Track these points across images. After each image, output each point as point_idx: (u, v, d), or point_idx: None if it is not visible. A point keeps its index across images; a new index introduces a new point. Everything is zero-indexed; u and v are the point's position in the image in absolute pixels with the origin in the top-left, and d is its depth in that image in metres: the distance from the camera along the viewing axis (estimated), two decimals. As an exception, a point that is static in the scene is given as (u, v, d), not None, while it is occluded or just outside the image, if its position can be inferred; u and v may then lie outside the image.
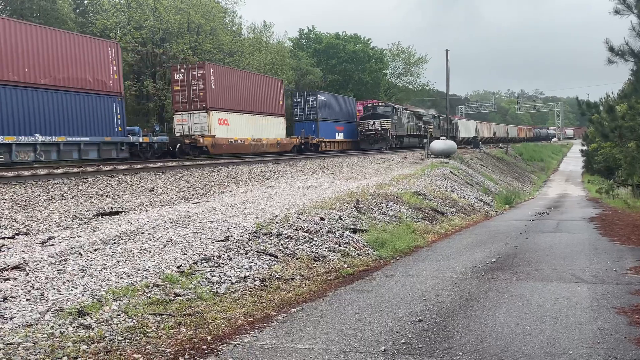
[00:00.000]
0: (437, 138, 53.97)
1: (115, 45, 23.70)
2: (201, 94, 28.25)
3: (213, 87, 28.74)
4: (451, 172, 24.48)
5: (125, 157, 23.44)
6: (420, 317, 5.93)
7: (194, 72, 28.35)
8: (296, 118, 41.05)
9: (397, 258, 9.62)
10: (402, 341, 5.21)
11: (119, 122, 23.18)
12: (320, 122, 41.16)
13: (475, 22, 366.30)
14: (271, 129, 34.35)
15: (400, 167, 26.82)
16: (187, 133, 28.19)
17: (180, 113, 28.75)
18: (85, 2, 43.58)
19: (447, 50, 43.05)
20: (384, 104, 47.57)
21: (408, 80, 78.74)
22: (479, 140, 59.19)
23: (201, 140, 27.27)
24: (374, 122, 44.19)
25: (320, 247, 9.14)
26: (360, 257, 9.32)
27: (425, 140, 40.08)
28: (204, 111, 28.33)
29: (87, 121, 21.63)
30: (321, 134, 40.87)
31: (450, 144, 34.45)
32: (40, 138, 19.36)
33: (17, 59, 18.93)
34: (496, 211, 19.58)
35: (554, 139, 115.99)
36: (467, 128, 68.47)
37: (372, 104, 47.21)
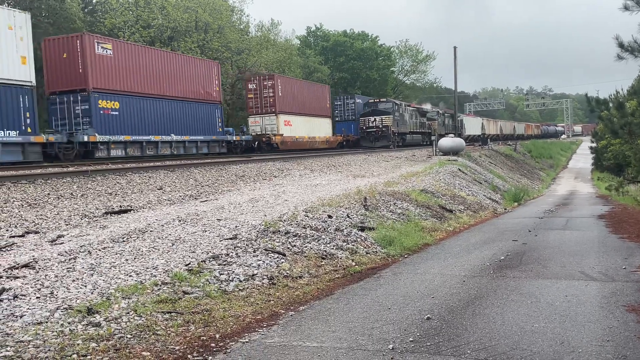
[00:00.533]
0: (442, 135, 52.97)
1: (217, 65, 30.67)
2: (271, 100, 34.48)
3: (280, 94, 34.88)
4: (459, 169, 24.41)
5: (224, 152, 29.69)
6: (428, 315, 5.93)
7: (265, 83, 34.79)
8: (337, 119, 46.36)
9: (405, 256, 9.61)
10: (410, 339, 5.21)
11: (220, 124, 29.65)
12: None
13: (485, 20, 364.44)
14: (321, 128, 40.82)
15: (408, 165, 26.77)
16: (259, 133, 34.03)
17: (254, 116, 35.04)
18: (94, 1, 43.76)
19: (455, 48, 42.94)
20: (385, 100, 46.28)
21: (416, 78, 78.55)
22: (487, 138, 58.87)
23: (273, 138, 33.50)
24: (375, 119, 43.04)
25: (328, 245, 9.15)
26: (368, 255, 9.32)
27: (433, 137, 39.82)
28: (274, 114, 34.49)
29: (201, 124, 27.93)
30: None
31: (459, 141, 34.35)
32: (174, 137, 25.66)
33: (157, 78, 24.96)
34: (505, 209, 19.51)
35: (563, 136, 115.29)
36: (472, 125, 67.37)
37: (373, 100, 46.00)
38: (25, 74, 18.16)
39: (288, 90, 36.05)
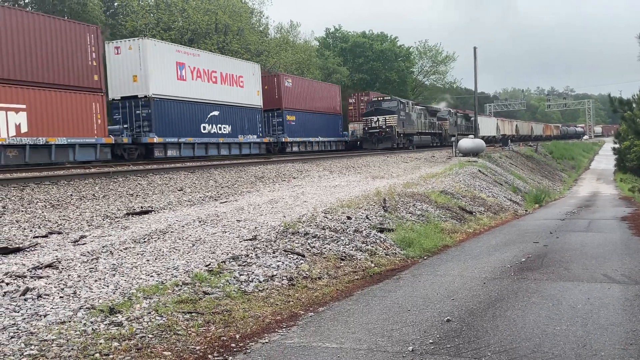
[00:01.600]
0: (453, 136, 50.51)
1: (338, 87, 44.03)
2: (361, 111, 44.10)
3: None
4: (480, 170, 24.24)
5: (342, 149, 40.57)
6: (448, 317, 5.90)
7: (362, 98, 45.87)
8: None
9: (425, 257, 9.57)
10: (430, 341, 5.19)
11: (341, 128, 42.85)
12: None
13: (511, 20, 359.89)
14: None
15: (427, 166, 26.65)
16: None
17: (352, 123, 45.15)
18: (115, 4, 44.26)
19: (474, 48, 42.59)
20: (389, 98, 43.02)
21: (435, 79, 78.18)
22: (507, 139, 58.19)
23: None
24: (378, 118, 40.11)
25: (347, 246, 9.15)
26: (388, 256, 9.30)
27: (453, 138, 39.40)
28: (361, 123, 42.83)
29: (329, 129, 40.35)
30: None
31: (479, 142, 34.10)
32: (316, 139, 37.86)
33: (310, 100, 37.90)
34: (526, 210, 19.34)
35: (585, 137, 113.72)
36: (487, 126, 64.66)
37: (376, 99, 43.06)
38: (260, 101, 31.69)
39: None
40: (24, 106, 17.66)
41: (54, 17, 20.93)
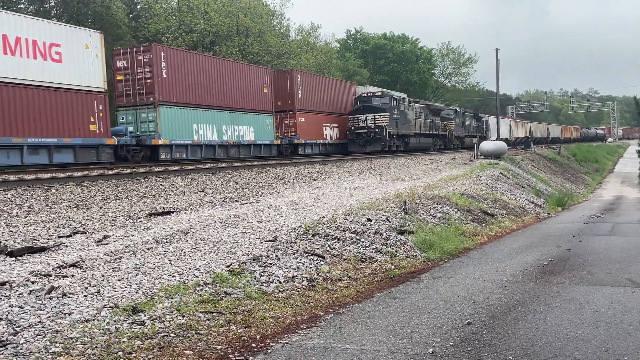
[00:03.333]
0: (459, 138, 48.24)
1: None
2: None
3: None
4: (501, 173, 24.04)
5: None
6: (469, 320, 5.87)
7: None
8: None
9: (446, 260, 9.53)
10: (451, 343, 5.18)
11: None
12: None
13: (538, 20, 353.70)
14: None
15: (448, 168, 26.51)
16: None
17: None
18: (138, 7, 44.77)
19: (497, 50, 42.28)
20: (380, 93, 37.62)
21: (457, 81, 77.77)
22: (530, 141, 57.28)
23: None
24: (366, 117, 35.18)
25: (367, 248, 9.15)
26: (408, 258, 9.28)
27: (476, 140, 38.54)
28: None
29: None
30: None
31: (501, 144, 33.84)
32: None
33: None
34: (548, 213, 19.13)
35: (610, 139, 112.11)
36: (498, 127, 63.33)
37: (365, 94, 37.69)
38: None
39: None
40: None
41: None
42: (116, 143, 21.46)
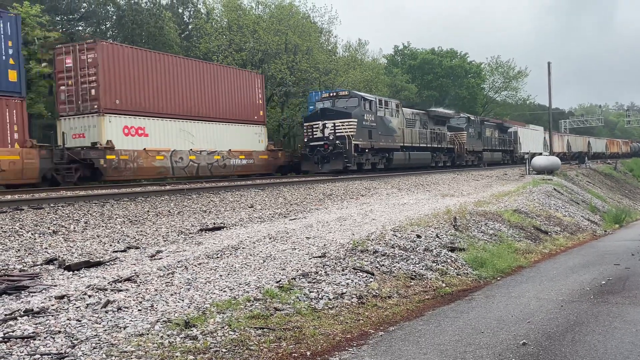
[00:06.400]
0: (473, 152, 40.49)
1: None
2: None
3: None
4: (555, 189, 23.42)
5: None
6: (524, 341, 5.71)
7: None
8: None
9: (498, 278, 9.32)
10: (505, 365, 5.04)
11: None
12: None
13: (603, 31, 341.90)
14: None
15: (499, 184, 26.01)
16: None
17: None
18: (190, 27, 45.93)
19: (549, 63, 41.42)
20: (346, 93, 28.08)
21: (507, 95, 76.49)
22: (584, 156, 55.33)
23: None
24: (324, 124, 26.43)
25: (417, 265, 9.03)
26: (459, 276, 9.11)
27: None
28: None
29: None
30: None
31: (554, 159, 33.06)
32: None
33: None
34: (605, 231, 18.49)
35: None
36: (531, 140, 51.68)
37: (327, 95, 28.46)
38: None
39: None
40: None
41: None
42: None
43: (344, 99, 27.54)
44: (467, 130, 39.68)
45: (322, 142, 26.23)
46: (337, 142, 25.84)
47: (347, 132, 26.02)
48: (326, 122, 26.45)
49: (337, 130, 26.10)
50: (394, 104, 31.21)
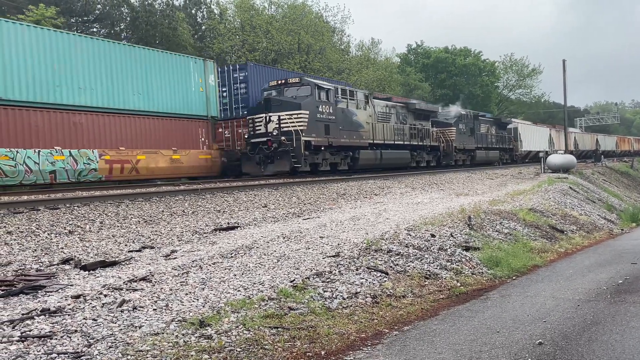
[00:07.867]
0: (464, 150, 36.62)
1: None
2: None
3: None
4: (570, 187, 23.22)
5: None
6: (540, 340, 5.66)
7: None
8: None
9: (513, 277, 9.25)
10: (521, 365, 5.00)
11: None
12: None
13: (623, 28, 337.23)
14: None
15: (514, 183, 25.84)
16: None
17: None
18: (203, 27, 46.14)
19: (564, 61, 41.09)
20: (297, 80, 23.40)
21: (522, 93, 76.02)
22: (600, 154, 54.85)
23: None
24: (269, 118, 22.10)
25: (432, 264, 9.00)
26: (474, 275, 9.06)
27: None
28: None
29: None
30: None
31: (570, 158, 32.77)
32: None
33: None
34: (621, 229, 18.30)
35: None
36: (533, 137, 48.02)
37: (275, 83, 23.77)
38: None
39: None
40: None
41: None
42: None
43: (295, 87, 22.98)
44: (456, 126, 35.45)
45: (264, 139, 22.05)
46: (283, 138, 21.53)
47: (295, 126, 21.75)
48: (270, 114, 22.00)
49: (282, 125, 21.73)
50: (361, 95, 26.66)
